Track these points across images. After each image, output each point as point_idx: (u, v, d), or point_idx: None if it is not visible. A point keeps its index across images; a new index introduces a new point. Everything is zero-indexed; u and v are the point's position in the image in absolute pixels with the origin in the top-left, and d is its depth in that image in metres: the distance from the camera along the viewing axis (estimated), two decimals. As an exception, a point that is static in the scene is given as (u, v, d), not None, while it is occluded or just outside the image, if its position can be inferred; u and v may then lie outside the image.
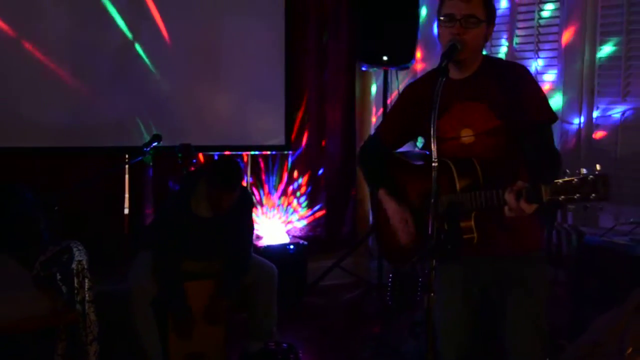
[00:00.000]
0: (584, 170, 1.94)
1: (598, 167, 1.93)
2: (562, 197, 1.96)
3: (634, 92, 4.28)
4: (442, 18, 2.40)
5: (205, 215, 3.79)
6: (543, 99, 2.45)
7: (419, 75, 5.47)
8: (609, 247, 3.89)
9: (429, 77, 2.61)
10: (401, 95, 2.73)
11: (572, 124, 4.56)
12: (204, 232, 3.81)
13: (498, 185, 2.25)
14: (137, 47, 4.79)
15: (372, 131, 5.33)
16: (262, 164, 5.41)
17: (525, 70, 2.48)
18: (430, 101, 2.43)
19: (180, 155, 4.09)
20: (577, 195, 1.93)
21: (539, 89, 2.48)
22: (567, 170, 1.99)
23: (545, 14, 4.76)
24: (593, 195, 1.91)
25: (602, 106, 4.46)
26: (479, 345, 2.63)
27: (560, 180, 1.97)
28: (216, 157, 5.08)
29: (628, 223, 4.18)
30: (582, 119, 4.53)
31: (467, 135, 2.45)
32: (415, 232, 2.52)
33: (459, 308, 2.55)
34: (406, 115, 2.63)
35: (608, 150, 4.41)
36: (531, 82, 2.46)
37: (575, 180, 1.93)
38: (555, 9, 4.69)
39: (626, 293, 3.40)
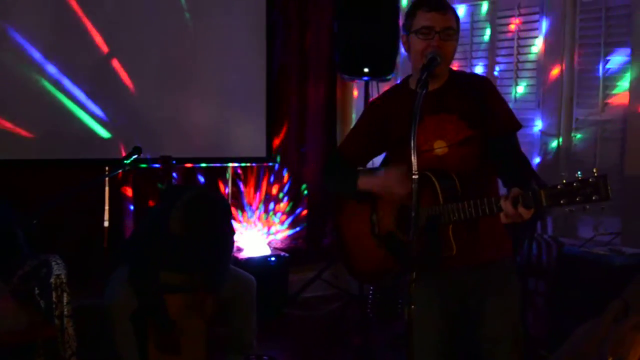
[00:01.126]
0: (579, 174, 1.98)
1: (595, 170, 1.98)
2: (563, 200, 2.00)
3: (612, 105, 4.32)
4: (419, 30, 2.42)
5: (182, 234, 3.76)
6: (509, 108, 2.55)
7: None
8: (588, 258, 3.91)
9: (391, 93, 2.66)
10: (366, 112, 2.75)
11: (551, 135, 4.60)
12: (183, 248, 3.78)
13: (474, 194, 2.28)
14: (117, 58, 4.77)
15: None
16: (243, 176, 5.40)
17: (490, 82, 2.58)
18: (397, 116, 2.47)
19: (160, 167, 4.07)
20: (579, 197, 1.97)
21: (504, 100, 2.56)
22: (563, 173, 2.03)
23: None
24: (595, 196, 1.95)
25: (580, 118, 4.50)
26: (456, 356, 2.64)
27: (560, 185, 2.00)
28: (200, 179, 5.07)
29: (607, 234, 4.22)
30: (561, 131, 4.57)
31: (440, 147, 2.47)
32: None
33: (436, 319, 2.55)
34: (372, 131, 2.64)
35: (587, 162, 4.45)
36: (497, 93, 2.54)
37: (576, 183, 1.97)
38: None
39: (605, 303, 3.42)
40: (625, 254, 3.86)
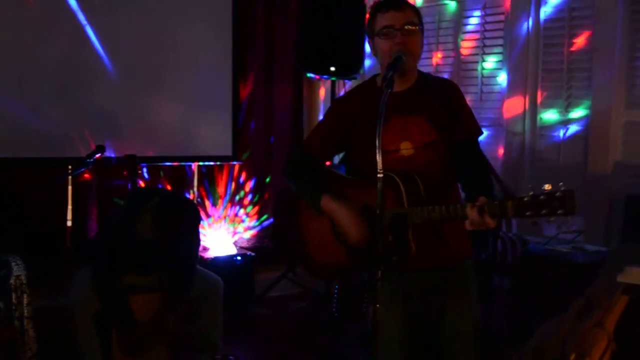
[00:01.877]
0: (547, 186, 2.00)
1: (561, 184, 1.99)
2: (529, 212, 2.02)
3: (575, 104, 4.36)
4: (381, 31, 2.43)
5: (150, 237, 3.73)
6: (472, 114, 2.58)
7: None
8: (551, 256, 3.95)
9: (358, 91, 2.66)
10: (331, 109, 2.74)
11: (516, 135, 4.63)
12: (149, 250, 3.73)
13: (438, 198, 2.32)
14: (81, 56, 4.70)
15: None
16: (209, 175, 5.36)
17: (457, 87, 2.60)
18: (364, 115, 2.47)
19: (124, 166, 4.02)
20: (544, 210, 1.99)
21: (468, 105, 2.60)
22: (530, 185, 2.04)
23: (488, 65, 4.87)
24: (561, 210, 1.96)
25: (545, 118, 4.54)
26: (420, 353, 2.65)
27: (527, 197, 2.02)
28: (164, 179, 5.03)
29: (570, 232, 4.26)
30: (526, 131, 4.60)
31: (406, 148, 2.48)
32: (367, 232, 2.46)
33: (399, 317, 2.57)
34: (336, 129, 2.63)
35: (551, 160, 4.50)
36: (463, 98, 2.58)
37: (542, 196, 1.99)
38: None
39: (568, 300, 3.46)
40: (587, 251, 3.91)
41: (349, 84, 5.44)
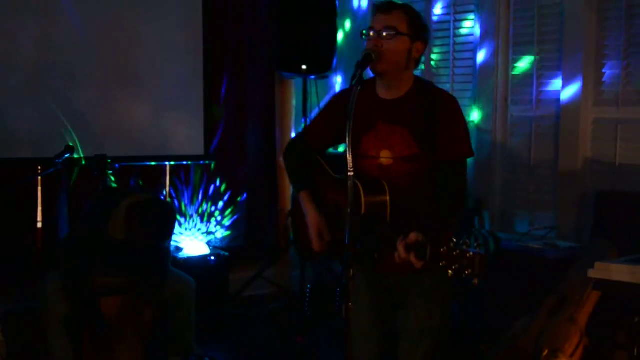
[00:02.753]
0: (468, 243, 1.98)
1: (477, 248, 1.97)
2: (442, 263, 2.00)
3: (546, 102, 4.40)
4: (365, 31, 2.44)
5: (122, 238, 3.69)
6: (462, 134, 2.48)
7: (340, 86, 5.61)
8: (524, 252, 3.99)
9: (360, 90, 2.60)
10: (330, 102, 2.73)
11: (487, 132, 4.66)
12: (120, 251, 3.70)
13: (407, 212, 2.33)
14: (50, 54, 4.63)
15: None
16: (181, 174, 5.32)
17: (452, 103, 2.50)
18: (357, 113, 2.46)
19: (95, 166, 3.97)
20: (455, 266, 1.97)
21: (461, 124, 2.49)
22: (454, 239, 2.00)
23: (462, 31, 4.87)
24: (468, 271, 1.95)
25: (515, 114, 4.57)
26: (391, 351, 2.65)
27: (445, 247, 2.00)
28: (134, 178, 4.98)
29: (542, 228, 4.30)
30: (497, 127, 4.63)
31: (386, 157, 2.48)
32: (328, 243, 2.52)
33: (367, 314, 2.59)
34: (333, 122, 2.63)
35: (522, 157, 4.53)
36: (454, 117, 2.47)
37: (458, 251, 1.97)
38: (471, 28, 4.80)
39: (541, 296, 3.49)
40: (559, 247, 3.95)
41: (322, 85, 5.44)
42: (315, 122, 2.77)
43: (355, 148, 2.43)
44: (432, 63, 5.02)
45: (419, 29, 2.45)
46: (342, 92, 2.71)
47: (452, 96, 2.55)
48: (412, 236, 2.10)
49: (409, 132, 2.44)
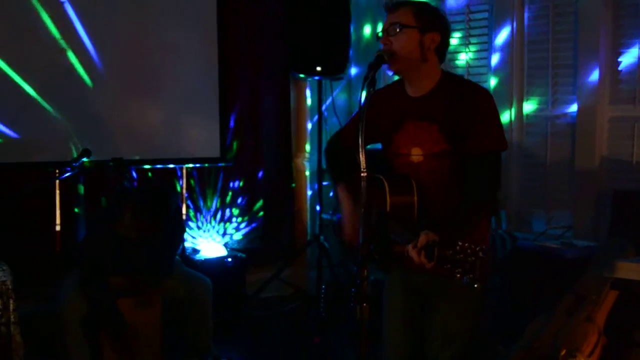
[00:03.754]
0: (473, 247, 1.97)
1: (481, 253, 1.97)
2: (448, 266, 2.01)
3: (561, 100, 4.37)
4: (378, 34, 2.44)
5: (132, 236, 3.71)
6: (492, 128, 2.40)
7: (352, 86, 5.61)
8: (541, 251, 3.96)
9: (390, 88, 2.62)
10: (365, 101, 2.73)
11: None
12: (133, 248, 3.72)
13: (438, 208, 2.33)
14: (68, 59, 4.66)
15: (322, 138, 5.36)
16: (197, 177, 5.34)
17: (483, 96, 2.42)
18: (385, 113, 2.50)
19: (112, 170, 4.00)
20: (459, 270, 1.98)
21: (492, 117, 2.41)
22: (460, 243, 2.00)
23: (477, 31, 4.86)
24: (470, 276, 1.96)
25: (531, 113, 4.55)
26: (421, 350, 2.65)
27: (451, 250, 2.00)
28: (150, 177, 5.01)
29: (559, 227, 4.28)
30: (513, 127, 4.61)
31: (416, 154, 2.47)
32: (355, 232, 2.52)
33: (398, 312, 2.60)
34: (365, 120, 2.63)
35: (538, 157, 4.50)
36: (484, 110, 2.39)
37: (461, 256, 1.97)
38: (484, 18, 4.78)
39: (558, 295, 3.47)
40: (576, 247, 3.92)
41: (336, 85, 5.44)
42: (351, 123, 2.74)
43: (387, 146, 2.52)
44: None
45: (429, 19, 2.41)
46: (377, 91, 2.71)
47: (484, 89, 2.48)
48: (422, 239, 2.11)
49: (438, 128, 2.41)
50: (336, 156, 2.74)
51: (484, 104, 2.40)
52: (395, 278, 2.61)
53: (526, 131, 4.58)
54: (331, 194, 2.98)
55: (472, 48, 4.86)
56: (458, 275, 1.97)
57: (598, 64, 4.09)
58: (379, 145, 2.68)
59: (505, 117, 4.60)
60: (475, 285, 1.95)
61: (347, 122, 2.81)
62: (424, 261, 2.10)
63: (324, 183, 5.32)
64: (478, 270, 1.94)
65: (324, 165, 2.83)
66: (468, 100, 2.39)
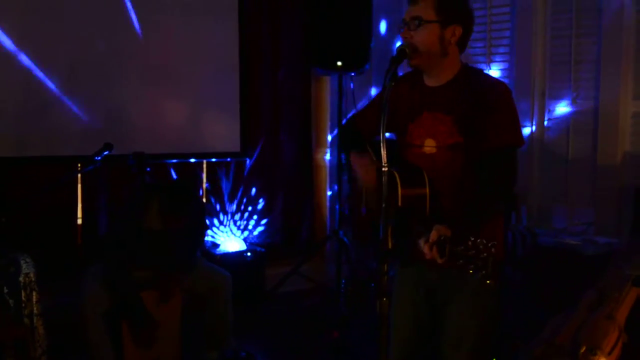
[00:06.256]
0: (485, 243, 1.96)
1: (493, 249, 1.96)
2: (460, 261, 1.99)
3: (583, 95, 4.34)
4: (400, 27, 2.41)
5: (157, 229, 3.74)
6: (508, 122, 2.35)
7: (373, 81, 5.60)
8: (562, 248, 3.95)
9: (410, 77, 2.55)
10: (382, 91, 2.71)
11: (524, 126, 4.61)
12: (158, 241, 3.76)
13: (446, 205, 2.30)
14: (90, 55, 4.71)
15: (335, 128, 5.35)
16: (218, 171, 5.36)
17: (500, 90, 2.37)
18: (403, 103, 2.46)
19: (133, 164, 4.03)
20: (472, 266, 1.97)
21: (508, 111, 2.35)
22: (472, 238, 1.99)
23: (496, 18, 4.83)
24: (482, 272, 1.94)
25: (553, 109, 4.52)
26: (426, 344, 2.63)
27: (462, 246, 1.99)
28: (174, 175, 5.04)
29: (580, 224, 4.25)
30: (535, 122, 4.58)
31: (430, 146, 2.43)
32: (370, 213, 2.50)
33: (406, 306, 2.58)
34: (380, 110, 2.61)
35: (560, 153, 4.48)
36: (501, 103, 2.35)
37: (473, 252, 1.96)
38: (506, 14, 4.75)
39: (579, 292, 3.45)
40: (597, 243, 3.90)
41: (357, 80, 5.43)
42: (367, 110, 2.73)
43: (402, 137, 2.48)
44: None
45: (451, 13, 2.36)
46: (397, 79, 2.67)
47: (502, 83, 2.43)
48: (434, 234, 2.09)
49: (452, 120, 2.37)
50: (351, 137, 2.71)
51: (502, 98, 2.35)
52: (408, 271, 2.57)
53: (547, 126, 4.55)
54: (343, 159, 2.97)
55: (494, 42, 4.84)
56: (470, 272, 1.95)
57: (621, 58, 4.06)
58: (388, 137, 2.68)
59: (527, 112, 4.57)
60: (488, 282, 1.94)
61: (362, 108, 2.76)
62: (435, 256, 2.08)
63: (344, 178, 5.31)
64: (490, 267, 1.92)
65: (343, 160, 2.80)
66: (485, 93, 2.35)
